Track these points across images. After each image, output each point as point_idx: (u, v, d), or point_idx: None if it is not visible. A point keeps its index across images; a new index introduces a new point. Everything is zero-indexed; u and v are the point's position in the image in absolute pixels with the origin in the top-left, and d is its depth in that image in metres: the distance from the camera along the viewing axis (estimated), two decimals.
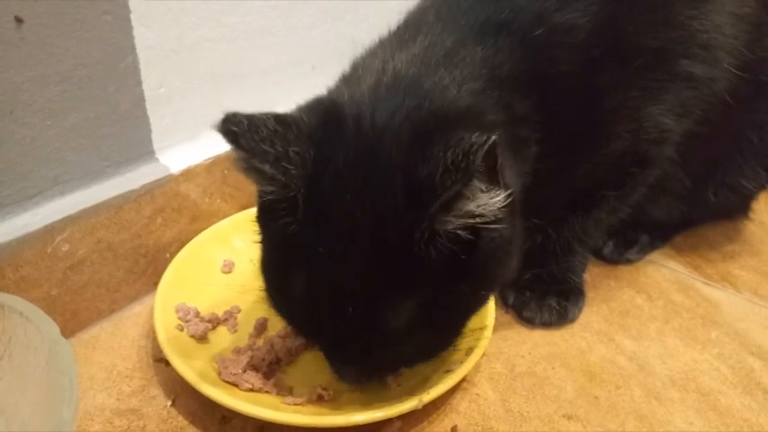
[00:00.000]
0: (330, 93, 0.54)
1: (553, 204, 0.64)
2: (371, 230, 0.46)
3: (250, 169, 0.47)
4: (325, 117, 0.49)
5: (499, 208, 0.45)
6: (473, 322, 0.63)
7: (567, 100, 0.57)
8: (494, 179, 0.44)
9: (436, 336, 0.54)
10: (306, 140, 0.48)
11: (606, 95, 0.59)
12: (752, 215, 0.86)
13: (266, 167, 0.46)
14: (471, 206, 0.44)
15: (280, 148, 0.47)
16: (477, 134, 0.42)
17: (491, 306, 0.65)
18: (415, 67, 0.52)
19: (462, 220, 0.45)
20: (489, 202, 0.44)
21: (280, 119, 0.48)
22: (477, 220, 0.45)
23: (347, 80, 0.55)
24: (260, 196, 0.51)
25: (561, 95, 0.56)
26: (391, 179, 0.46)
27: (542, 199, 0.61)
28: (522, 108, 0.55)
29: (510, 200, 0.46)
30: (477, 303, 0.55)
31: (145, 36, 0.64)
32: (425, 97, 0.50)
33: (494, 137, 0.42)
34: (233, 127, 0.46)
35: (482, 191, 0.44)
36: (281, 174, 0.47)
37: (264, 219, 0.52)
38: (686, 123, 0.63)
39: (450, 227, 0.45)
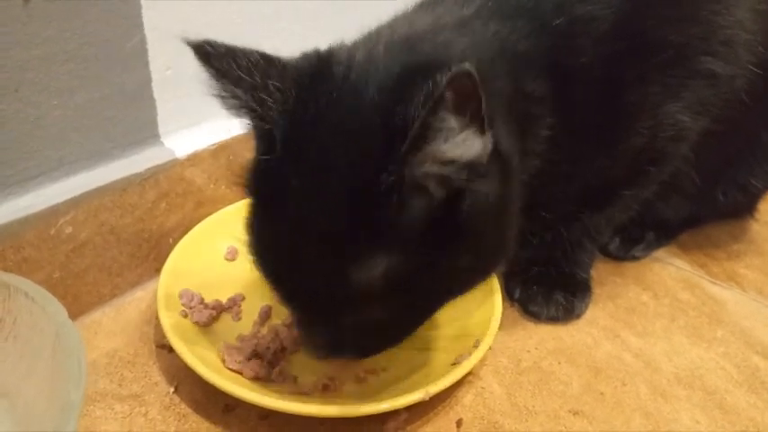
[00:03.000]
0: (331, 47, 0.53)
1: (565, 199, 0.63)
2: (345, 172, 0.44)
3: (225, 96, 0.46)
4: (316, 63, 0.48)
5: (479, 156, 0.42)
6: (479, 315, 0.63)
7: (585, 92, 0.56)
8: (472, 117, 0.40)
9: (406, 308, 0.50)
10: (290, 80, 0.46)
11: (626, 90, 0.58)
12: (757, 215, 0.86)
13: (239, 92, 0.45)
14: (443, 146, 0.40)
15: (258, 80, 0.45)
16: (453, 66, 0.38)
17: (498, 299, 0.64)
18: (421, 31, 0.51)
19: (435, 165, 0.41)
20: (465, 144, 0.41)
21: (265, 56, 0.47)
22: (452, 168, 0.42)
23: (354, 41, 0.54)
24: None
25: (579, 86, 0.56)
26: (370, 120, 0.43)
27: (554, 192, 0.61)
28: (534, 87, 0.53)
29: (500, 157, 0.44)
30: (457, 281, 0.51)
31: (153, 16, 0.63)
32: (424, 53, 0.48)
33: (467, 64, 0.37)
34: (207, 47, 0.45)
35: (455, 128, 0.40)
36: (257, 104, 0.45)
37: (252, 160, 0.50)
38: (704, 121, 0.63)
39: (420, 170, 0.42)
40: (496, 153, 0.45)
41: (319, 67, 0.48)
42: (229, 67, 0.45)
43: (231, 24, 0.72)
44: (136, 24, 0.62)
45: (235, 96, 0.46)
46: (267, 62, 0.46)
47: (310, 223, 0.45)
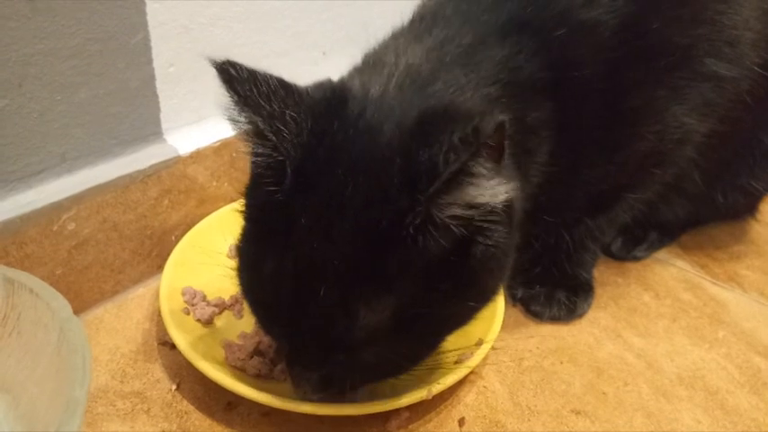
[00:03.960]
0: (341, 78, 0.53)
1: (567, 205, 0.63)
2: (360, 211, 0.43)
3: (239, 120, 0.45)
4: (330, 95, 0.47)
5: (501, 203, 0.42)
6: (482, 314, 0.63)
7: (589, 102, 0.56)
8: (500, 164, 0.41)
9: (409, 345, 0.49)
10: (306, 110, 0.45)
11: (630, 96, 0.57)
12: (758, 216, 0.86)
13: (257, 120, 0.44)
14: (473, 191, 0.41)
15: (276, 107, 0.44)
16: (487, 115, 0.40)
17: (500, 298, 0.64)
18: (429, 63, 0.50)
19: (461, 208, 0.42)
20: (492, 190, 0.41)
21: (283, 83, 0.46)
22: (476, 212, 0.42)
23: (359, 70, 0.54)
24: (252, 163, 0.48)
25: (582, 99, 0.55)
26: (389, 160, 0.43)
27: (558, 199, 0.60)
28: (534, 118, 0.53)
29: (509, 203, 0.44)
30: (459, 317, 0.51)
31: (157, 12, 0.63)
32: (436, 95, 0.48)
33: (502, 117, 0.39)
34: (231, 70, 0.44)
35: (486, 175, 0.40)
36: (273, 133, 0.44)
37: (251, 187, 0.49)
38: (709, 123, 0.63)
39: (447, 213, 0.42)
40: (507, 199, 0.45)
41: (334, 100, 0.47)
42: (251, 94, 0.44)
43: (234, 21, 0.72)
44: (140, 21, 0.62)
45: (252, 124, 0.45)
46: (285, 90, 0.45)
47: (318, 262, 0.43)
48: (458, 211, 0.42)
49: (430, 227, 0.42)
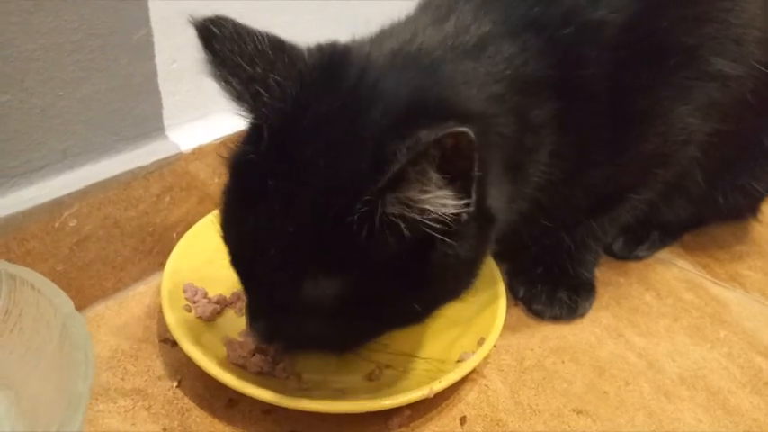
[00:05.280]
0: (350, 42, 0.51)
1: (569, 205, 0.63)
2: (323, 187, 0.43)
3: (219, 78, 0.45)
4: (329, 60, 0.47)
5: (454, 215, 0.41)
6: (483, 312, 0.63)
7: (593, 102, 0.55)
8: (457, 177, 0.40)
9: (349, 329, 0.49)
10: (296, 75, 0.45)
11: (636, 96, 0.57)
12: (760, 217, 0.86)
13: (234, 82, 0.44)
14: (419, 195, 0.40)
15: (259, 70, 0.44)
16: (452, 122, 0.39)
17: (502, 297, 0.64)
18: (441, 50, 0.50)
19: (406, 208, 0.41)
20: (442, 201, 0.40)
21: (277, 43, 0.45)
22: (422, 217, 0.41)
23: (372, 39, 0.53)
24: None
25: (587, 99, 0.55)
26: (364, 145, 0.42)
27: (557, 200, 0.60)
28: (536, 116, 0.53)
29: (483, 216, 0.44)
30: (405, 317, 0.50)
31: (160, 8, 0.63)
32: (441, 84, 0.47)
33: (465, 129, 0.37)
34: (213, 27, 0.44)
35: (438, 185, 0.40)
36: (250, 96, 0.44)
37: (240, 141, 0.49)
38: (712, 122, 0.62)
39: (391, 209, 0.41)
40: (480, 214, 0.45)
41: (329, 68, 0.46)
42: (230, 53, 0.43)
43: (237, 17, 0.71)
44: (142, 17, 0.61)
45: (228, 84, 0.44)
46: (275, 51, 0.45)
47: (277, 229, 0.44)
48: (405, 212, 0.41)
49: (376, 220, 0.41)
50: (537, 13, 0.53)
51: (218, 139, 0.71)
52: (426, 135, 0.38)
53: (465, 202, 0.41)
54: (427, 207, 0.41)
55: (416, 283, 0.46)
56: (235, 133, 0.71)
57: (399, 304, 0.48)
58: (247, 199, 0.46)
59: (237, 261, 0.50)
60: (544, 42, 0.52)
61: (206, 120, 0.72)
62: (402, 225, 0.41)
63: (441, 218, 0.42)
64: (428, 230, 0.42)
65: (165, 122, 0.68)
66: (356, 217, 0.41)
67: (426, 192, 0.40)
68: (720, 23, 0.58)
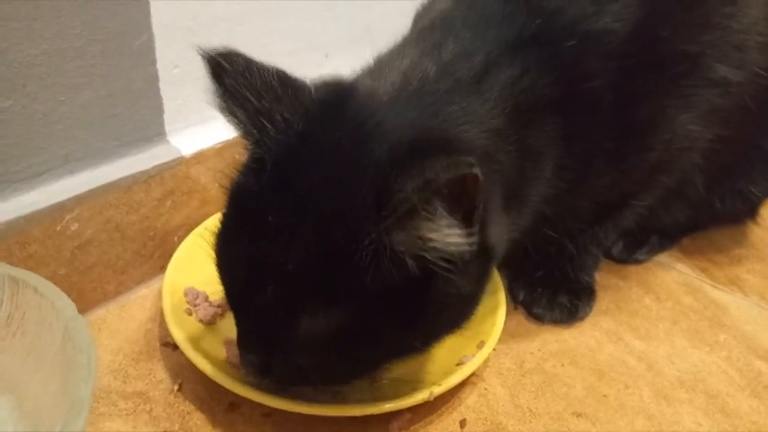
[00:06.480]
0: (352, 78, 0.52)
1: (573, 215, 0.63)
2: (325, 221, 0.42)
3: (226, 110, 0.45)
4: (332, 98, 0.47)
5: (460, 251, 0.42)
6: (483, 316, 0.63)
7: (597, 113, 0.55)
8: (464, 216, 0.41)
9: (346, 362, 0.49)
10: (301, 110, 0.45)
11: (640, 106, 0.57)
12: (759, 220, 0.86)
13: (240, 115, 0.44)
14: (427, 231, 0.41)
15: (265, 104, 0.44)
16: (464, 161, 0.39)
17: (502, 301, 0.64)
18: (443, 84, 0.49)
19: (414, 244, 0.41)
20: (450, 238, 0.41)
21: (284, 79, 0.46)
22: (430, 253, 0.42)
23: (371, 73, 0.53)
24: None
25: (591, 110, 0.55)
26: (367, 180, 0.42)
27: (561, 211, 0.60)
28: (539, 141, 0.53)
29: (483, 252, 0.44)
30: (404, 350, 0.50)
31: (161, 14, 0.63)
32: (444, 123, 0.47)
33: (474, 171, 0.38)
34: (224, 62, 0.44)
35: (446, 219, 0.40)
36: (256, 129, 0.44)
37: (240, 169, 0.49)
38: (714, 128, 0.62)
39: (399, 246, 0.41)
40: (481, 249, 0.45)
41: (334, 103, 0.46)
42: (237, 87, 0.44)
43: (238, 23, 0.72)
44: (144, 22, 0.62)
45: (236, 116, 0.45)
46: (284, 86, 0.45)
47: (274, 261, 0.43)
48: (411, 245, 0.41)
49: (383, 254, 0.41)
50: (537, 28, 0.52)
51: (220, 143, 0.72)
52: (439, 172, 0.38)
53: (470, 240, 0.42)
54: (435, 245, 0.41)
55: (416, 318, 0.46)
56: (235, 138, 0.72)
57: (398, 338, 0.47)
58: (246, 232, 0.45)
59: (232, 293, 0.49)
60: (546, 58, 0.52)
61: (207, 124, 0.72)
62: (408, 261, 0.42)
63: (447, 255, 0.42)
64: (434, 267, 0.42)
65: (167, 127, 0.69)
66: (363, 253, 0.41)
67: (435, 230, 0.41)
68: (723, 30, 0.57)
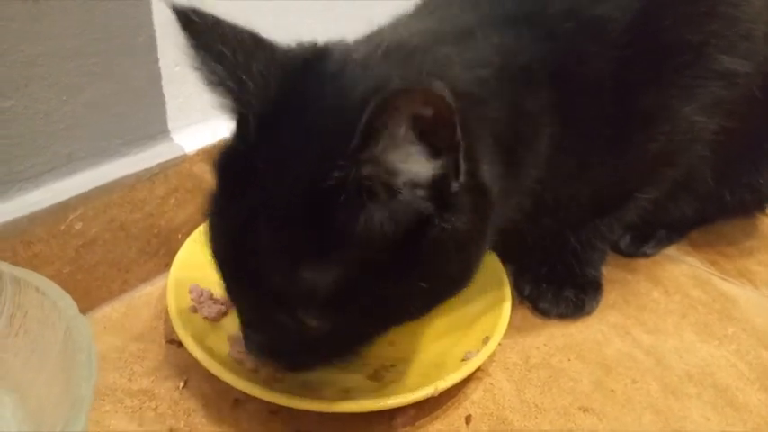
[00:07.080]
0: (330, 42, 0.51)
1: (574, 203, 0.62)
2: (310, 168, 0.42)
3: (202, 64, 0.44)
4: (311, 54, 0.47)
5: (437, 181, 0.40)
6: (489, 311, 0.63)
7: (596, 99, 0.54)
8: (425, 136, 0.38)
9: (354, 322, 0.47)
10: (278, 66, 0.45)
11: (641, 95, 0.56)
12: None
13: (219, 69, 0.43)
14: (393, 156, 0.39)
15: (241, 59, 0.44)
16: (429, 84, 0.37)
17: (507, 295, 0.64)
18: (422, 39, 0.49)
19: (379, 170, 0.39)
20: (416, 162, 0.39)
21: (256, 37, 0.45)
22: (401, 179, 0.40)
23: (355, 41, 0.52)
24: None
25: (589, 95, 0.54)
26: (349, 125, 0.40)
27: (561, 198, 0.60)
28: (535, 102, 0.52)
29: (478, 190, 0.43)
30: (407, 310, 0.49)
31: (163, 12, 0.63)
32: (424, 66, 0.46)
33: (441, 93, 0.36)
34: (193, 17, 0.44)
35: (414, 146, 0.39)
36: (236, 84, 0.43)
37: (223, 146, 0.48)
38: (718, 119, 0.61)
39: (365, 171, 0.39)
40: (474, 186, 0.44)
41: (313, 58, 0.46)
42: (213, 41, 0.43)
43: (238, 19, 0.71)
44: (145, 20, 0.62)
45: (213, 72, 0.44)
46: (256, 43, 0.45)
47: (269, 215, 0.43)
48: (377, 172, 0.40)
49: (352, 183, 0.40)
50: (535, 6, 0.52)
51: (223, 140, 0.72)
52: (400, 93, 0.36)
53: (440, 163, 0.40)
54: (398, 168, 0.40)
55: (417, 263, 0.45)
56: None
57: (401, 294, 0.46)
58: (237, 188, 0.45)
59: (226, 262, 0.48)
60: (542, 34, 0.52)
61: (210, 121, 0.72)
62: (379, 190, 0.41)
63: (417, 181, 0.41)
64: (420, 206, 0.41)
65: (170, 125, 0.69)
66: (331, 183, 0.40)
67: (401, 152, 0.39)
68: (728, 19, 0.56)
